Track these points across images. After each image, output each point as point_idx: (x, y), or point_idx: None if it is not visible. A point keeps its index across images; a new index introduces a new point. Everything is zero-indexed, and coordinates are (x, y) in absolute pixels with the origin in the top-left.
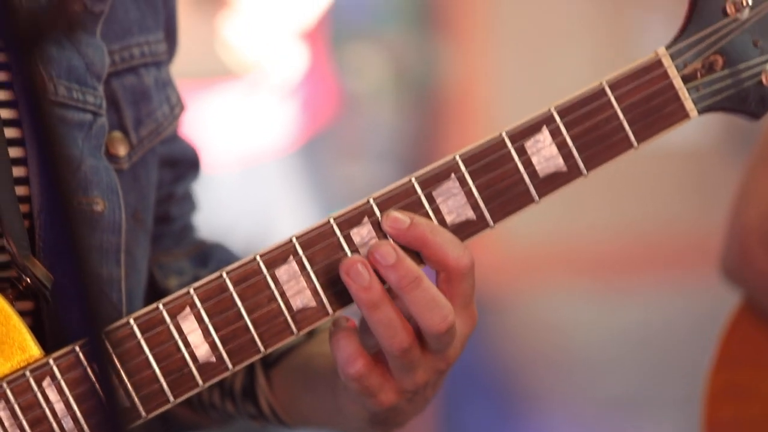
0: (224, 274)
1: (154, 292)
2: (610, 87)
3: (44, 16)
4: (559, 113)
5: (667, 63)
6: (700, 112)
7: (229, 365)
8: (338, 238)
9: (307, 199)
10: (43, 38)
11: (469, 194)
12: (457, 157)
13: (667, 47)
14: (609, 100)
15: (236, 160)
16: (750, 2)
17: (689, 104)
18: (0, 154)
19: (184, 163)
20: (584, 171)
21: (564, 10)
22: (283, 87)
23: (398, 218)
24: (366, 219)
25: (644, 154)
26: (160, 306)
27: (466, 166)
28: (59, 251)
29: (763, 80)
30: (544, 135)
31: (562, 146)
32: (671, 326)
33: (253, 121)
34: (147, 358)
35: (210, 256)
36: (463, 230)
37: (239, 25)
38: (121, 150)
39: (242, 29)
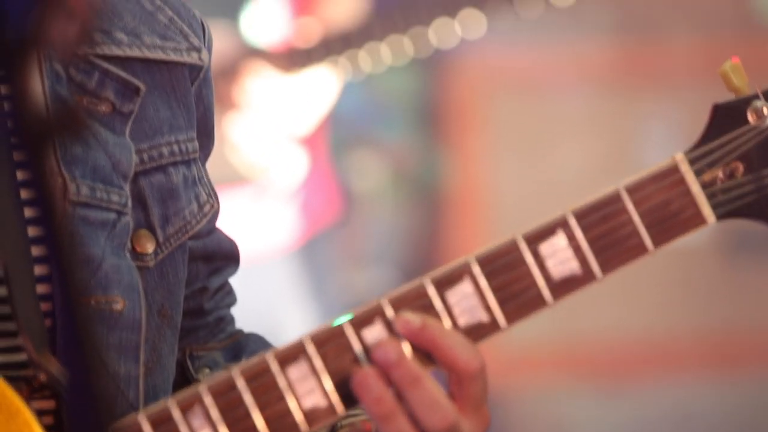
0: (235, 372)
1: (187, 384)
2: (627, 192)
3: (61, 116)
4: (575, 217)
5: (685, 168)
6: (719, 218)
7: None
8: (350, 338)
9: (310, 298)
10: (58, 137)
11: (482, 296)
12: (472, 259)
13: (686, 152)
14: (626, 205)
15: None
16: None
17: (707, 210)
18: (23, 252)
19: (220, 257)
20: (600, 275)
21: (563, 110)
22: (285, 190)
23: (409, 320)
24: (378, 319)
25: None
26: (171, 402)
27: (480, 268)
28: (75, 350)
29: None
30: (560, 238)
31: (577, 250)
32: (671, 424)
33: (254, 222)
34: None
35: (244, 348)
36: (476, 332)
37: (245, 128)
38: (148, 247)
39: (247, 132)
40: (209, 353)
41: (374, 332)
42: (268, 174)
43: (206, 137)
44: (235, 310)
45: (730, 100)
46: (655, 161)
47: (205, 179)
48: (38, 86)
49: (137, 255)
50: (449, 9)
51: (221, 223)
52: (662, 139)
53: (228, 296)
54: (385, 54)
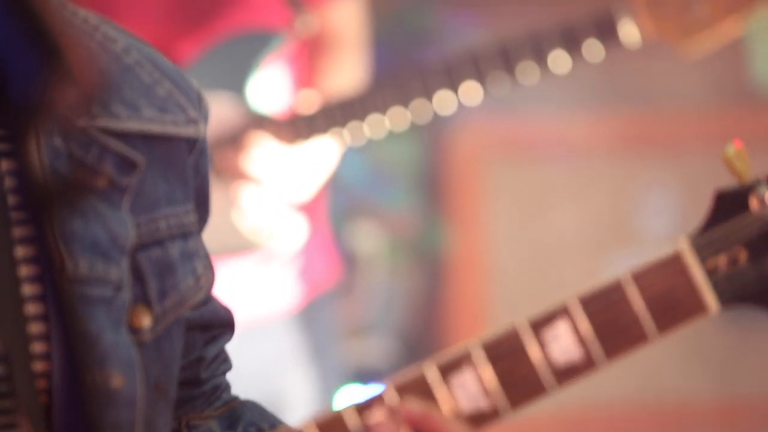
0: None
1: None
2: (632, 279)
3: (60, 191)
4: (580, 303)
5: (689, 257)
6: (723, 305)
7: None
8: (354, 422)
9: (309, 363)
10: (57, 212)
11: (485, 383)
12: (475, 345)
13: (690, 239)
14: (629, 293)
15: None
16: None
17: (710, 298)
18: (21, 329)
19: (216, 325)
20: (603, 362)
21: (562, 180)
22: (286, 255)
23: (413, 410)
24: (382, 404)
25: None
26: None
27: (484, 354)
28: (73, 428)
29: None
30: (564, 325)
31: (581, 337)
32: None
33: (255, 287)
34: None
35: (240, 416)
36: (479, 419)
37: (250, 196)
38: (145, 322)
39: (252, 200)
40: (205, 422)
41: (377, 415)
42: (271, 240)
43: (203, 207)
44: (234, 375)
45: (732, 186)
46: (654, 228)
47: (202, 251)
48: (37, 162)
49: (134, 330)
50: (450, 82)
51: (223, 289)
52: (661, 207)
53: (224, 364)
54: (386, 122)
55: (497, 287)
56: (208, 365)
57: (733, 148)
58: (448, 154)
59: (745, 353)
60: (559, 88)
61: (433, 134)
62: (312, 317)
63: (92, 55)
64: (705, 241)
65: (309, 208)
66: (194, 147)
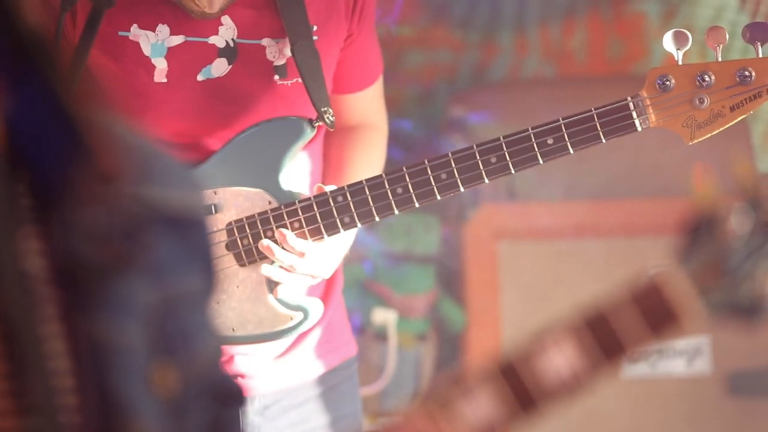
0: None
1: None
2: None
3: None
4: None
5: (675, 280)
6: (711, 316)
7: None
8: None
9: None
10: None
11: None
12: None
13: (674, 267)
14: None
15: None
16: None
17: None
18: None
19: (228, 395)
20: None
21: (571, 260)
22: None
23: None
24: None
25: (643, 382)
26: None
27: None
28: None
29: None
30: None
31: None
32: None
33: (280, 360)
34: None
35: None
36: None
37: (280, 280)
38: (169, 381)
39: (283, 285)
40: None
41: None
42: (300, 321)
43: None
44: None
45: (703, 216)
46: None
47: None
48: (61, 242)
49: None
50: (472, 166)
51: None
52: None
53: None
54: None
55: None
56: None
57: (699, 177)
58: (461, 236)
59: (750, 421)
60: (554, 181)
61: (446, 217)
62: (337, 386)
63: (117, 141)
64: (688, 265)
65: (327, 284)
66: None
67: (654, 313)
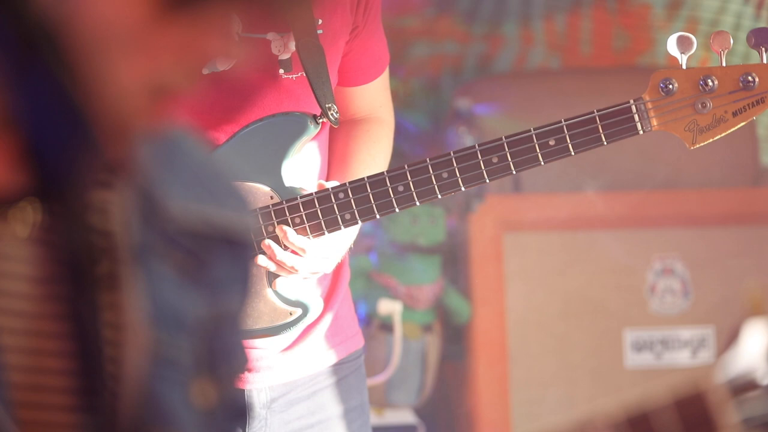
0: None
1: None
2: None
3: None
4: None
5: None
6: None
7: None
8: None
9: (344, 423)
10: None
11: None
12: None
13: (718, 379)
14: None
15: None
16: None
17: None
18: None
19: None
20: None
21: (576, 251)
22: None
23: None
24: None
25: (648, 372)
26: None
27: None
28: None
29: None
30: None
31: None
32: None
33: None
34: None
35: None
36: None
37: (283, 276)
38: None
39: (284, 280)
40: None
41: None
42: (305, 316)
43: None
44: None
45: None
46: (664, 300)
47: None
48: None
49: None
50: (476, 164)
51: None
52: (669, 281)
53: None
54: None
55: (512, 354)
56: None
57: (756, 289)
58: (467, 228)
59: None
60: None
61: (452, 208)
62: (344, 378)
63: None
64: (732, 378)
65: (334, 277)
66: None
67: (694, 421)
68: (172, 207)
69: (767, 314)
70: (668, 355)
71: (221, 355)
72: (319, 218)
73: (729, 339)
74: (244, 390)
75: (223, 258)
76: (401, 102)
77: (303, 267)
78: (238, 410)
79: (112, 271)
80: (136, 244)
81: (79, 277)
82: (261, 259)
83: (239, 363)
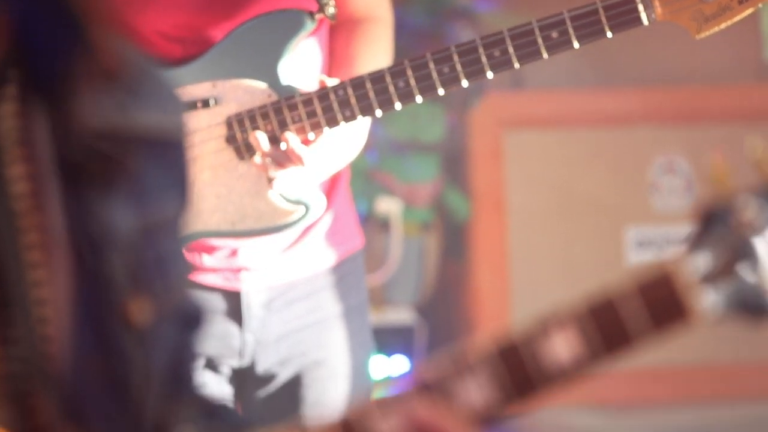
0: None
1: None
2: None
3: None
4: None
5: (682, 274)
6: (718, 314)
7: None
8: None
9: (344, 323)
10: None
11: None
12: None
13: (681, 260)
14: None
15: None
16: None
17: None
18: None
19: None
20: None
21: (576, 148)
22: (313, 221)
23: (424, 416)
24: (400, 406)
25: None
26: None
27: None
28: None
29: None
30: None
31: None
32: None
33: (289, 254)
34: None
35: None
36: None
37: (284, 175)
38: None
39: (286, 179)
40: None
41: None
42: (305, 215)
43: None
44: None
45: (715, 203)
46: (669, 198)
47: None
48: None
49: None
50: (477, 58)
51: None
52: (675, 178)
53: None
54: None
55: (517, 258)
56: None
57: (716, 164)
58: (466, 125)
59: None
60: (577, 63)
61: (452, 106)
62: (344, 278)
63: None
64: (696, 259)
65: (333, 177)
66: None
67: (661, 306)
68: (85, 114)
69: (727, 189)
70: (671, 251)
71: (157, 266)
72: (318, 116)
73: (693, 220)
74: (193, 296)
75: (151, 162)
76: None
77: (308, 157)
78: (188, 319)
79: (30, 191)
80: (50, 160)
81: None
82: (258, 159)
83: (180, 272)
